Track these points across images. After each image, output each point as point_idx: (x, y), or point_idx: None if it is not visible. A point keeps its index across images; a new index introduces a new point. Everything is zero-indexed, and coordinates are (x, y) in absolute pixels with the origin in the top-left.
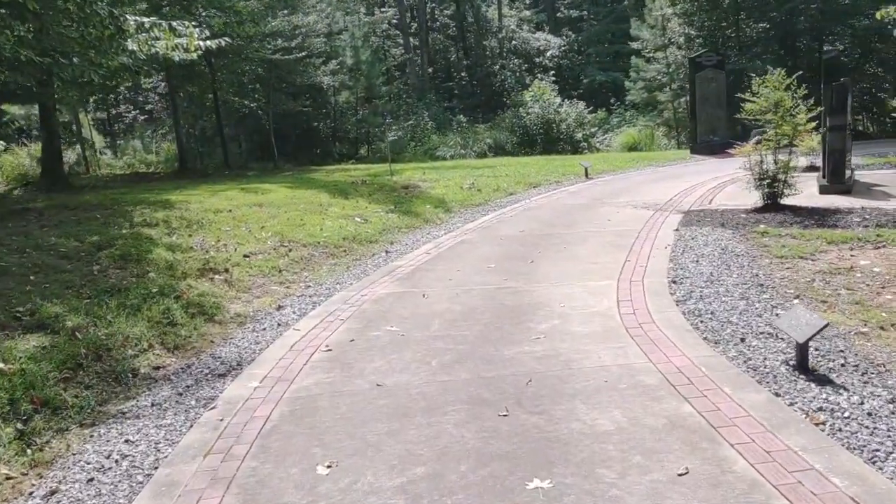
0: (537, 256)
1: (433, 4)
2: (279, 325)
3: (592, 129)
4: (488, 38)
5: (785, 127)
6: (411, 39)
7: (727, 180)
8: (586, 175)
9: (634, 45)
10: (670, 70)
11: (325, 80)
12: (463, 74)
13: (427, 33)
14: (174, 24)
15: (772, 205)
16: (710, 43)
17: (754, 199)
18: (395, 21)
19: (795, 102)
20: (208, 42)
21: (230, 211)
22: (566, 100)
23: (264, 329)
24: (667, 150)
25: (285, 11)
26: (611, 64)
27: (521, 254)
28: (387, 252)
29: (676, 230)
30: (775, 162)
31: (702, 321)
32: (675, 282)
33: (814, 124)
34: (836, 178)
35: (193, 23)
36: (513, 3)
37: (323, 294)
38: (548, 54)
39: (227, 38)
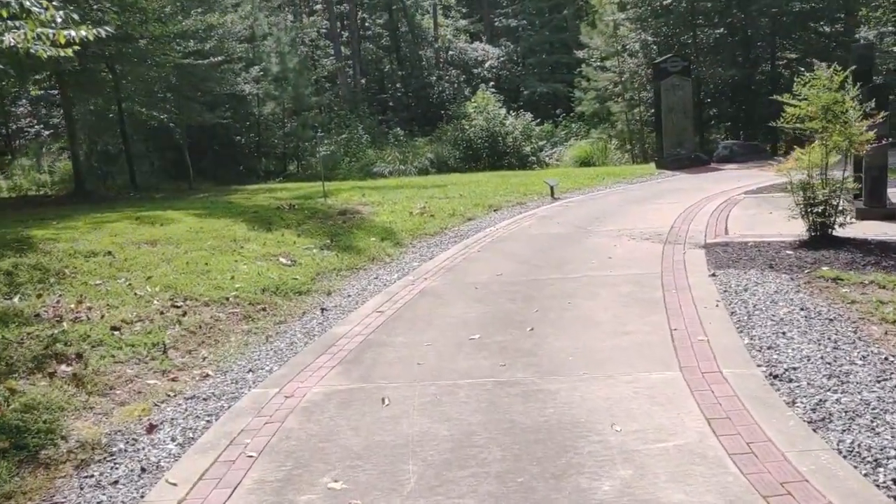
0: (537, 320)
1: (364, 13)
2: (143, 470)
3: (541, 143)
4: (424, 48)
5: (836, 137)
6: (342, 49)
7: (723, 202)
8: (552, 195)
9: (580, 53)
10: (623, 79)
11: (247, 89)
12: (398, 86)
13: (359, 42)
14: (27, 2)
15: (821, 237)
16: (666, 49)
17: (781, 227)
18: (324, 30)
19: (848, 106)
20: (83, 32)
21: (110, 253)
22: (512, 111)
23: (116, 482)
24: (628, 165)
25: (199, 10)
26: (550, 75)
27: (513, 315)
28: (323, 310)
29: (713, 275)
30: (824, 183)
31: None
32: (776, 376)
33: (872, 134)
34: (876, 201)
35: (75, 14)
36: (448, 13)
37: (226, 393)
38: (486, 65)
39: (107, 28)
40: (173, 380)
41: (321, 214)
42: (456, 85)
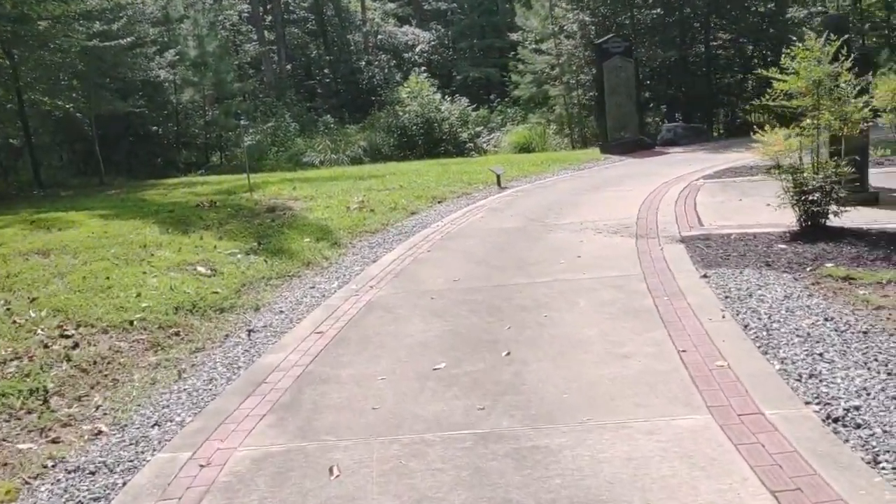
0: (511, 339)
1: None
2: None
3: (478, 129)
4: (351, 32)
5: (827, 116)
6: (266, 33)
7: (684, 188)
8: (499, 184)
9: (515, 36)
10: (561, 62)
11: (163, 75)
12: (326, 71)
13: (283, 27)
14: None
15: (814, 227)
16: (604, 30)
17: (759, 215)
18: (246, 14)
19: (844, 80)
20: None
21: None
22: (447, 97)
23: None
24: (571, 150)
25: None
26: (483, 59)
27: (481, 333)
28: (250, 332)
29: (705, 276)
30: (815, 167)
31: None
32: (836, 419)
33: (869, 112)
34: (859, 186)
35: None
36: None
37: (122, 461)
38: (417, 49)
39: None
40: (54, 441)
41: (247, 212)
42: (386, 70)
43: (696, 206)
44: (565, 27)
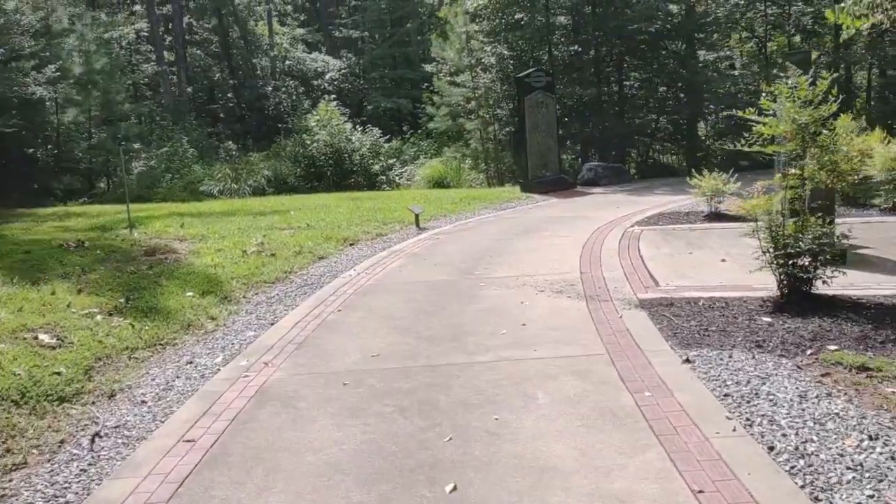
0: (457, 463)
1: (192, 18)
2: None
3: (390, 161)
4: (258, 56)
5: (812, 166)
6: (166, 54)
7: (622, 236)
8: (417, 224)
9: (429, 67)
10: (477, 95)
11: (39, 92)
12: (229, 96)
13: (184, 48)
14: None
15: (799, 295)
16: (521, 65)
17: (720, 273)
18: (145, 32)
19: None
20: None
21: None
22: (358, 126)
23: None
24: (491, 188)
25: None
26: (395, 90)
27: (412, 448)
28: (94, 438)
29: (687, 361)
30: (800, 227)
31: None
32: None
33: (859, 161)
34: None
35: None
36: (284, 20)
37: None
38: (327, 77)
39: None
40: None
41: (120, 255)
42: (294, 97)
43: (645, 261)
44: (483, 60)
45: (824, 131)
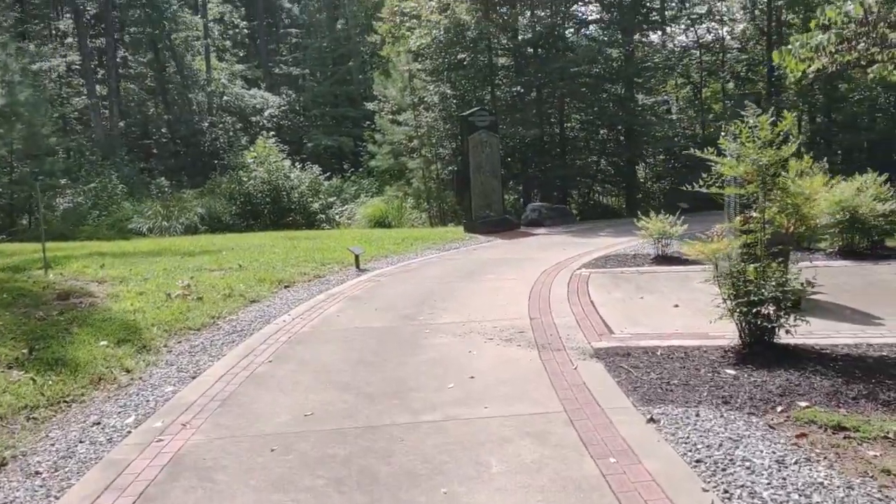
0: None
1: (125, 51)
2: None
3: (330, 199)
4: (195, 91)
5: (773, 209)
6: (98, 87)
7: (569, 278)
8: (357, 265)
9: (371, 105)
10: (420, 133)
11: None
12: (164, 131)
13: (118, 81)
14: None
15: (762, 345)
16: (465, 104)
17: (675, 319)
18: (76, 65)
19: (804, 167)
20: None
21: None
22: (296, 164)
23: None
24: (433, 228)
25: None
26: (336, 128)
27: None
28: None
29: (652, 420)
30: (761, 274)
31: None
32: None
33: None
34: None
35: None
36: (223, 56)
37: None
38: (266, 113)
39: None
40: None
41: (30, 299)
42: (232, 133)
43: (596, 306)
44: (426, 98)
45: (783, 173)
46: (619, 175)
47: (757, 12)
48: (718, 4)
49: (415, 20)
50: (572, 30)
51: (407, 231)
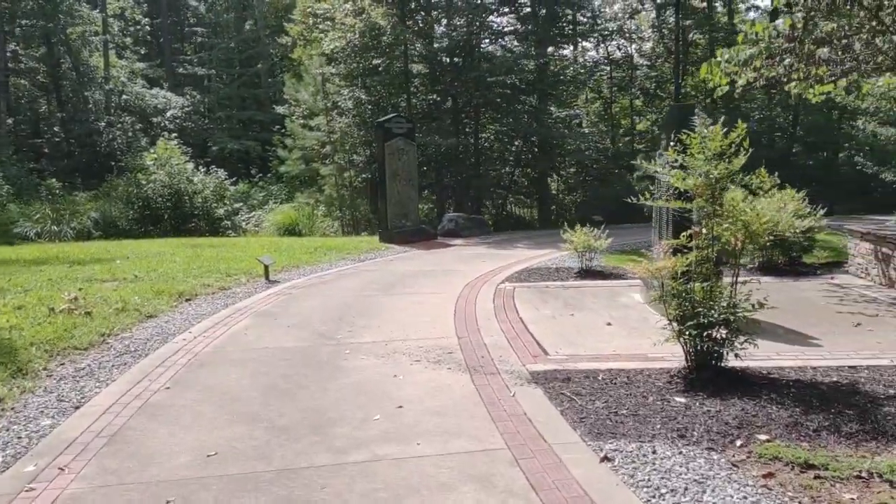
0: None
1: (16, 45)
2: None
3: (237, 205)
4: (91, 89)
5: (723, 228)
6: None
7: (494, 293)
8: (267, 276)
9: (281, 109)
10: (333, 139)
11: None
12: (56, 129)
13: (7, 76)
14: None
15: (711, 370)
16: (380, 110)
17: (611, 339)
18: None
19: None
20: None
21: None
22: (201, 167)
23: None
24: (347, 237)
25: None
26: (243, 131)
27: None
28: None
29: (606, 459)
30: (709, 294)
31: None
32: None
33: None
34: None
35: None
36: (122, 53)
37: None
38: (168, 114)
39: None
40: None
41: None
42: (131, 134)
43: (526, 324)
44: (339, 103)
45: (731, 187)
46: (532, 186)
47: (665, 31)
48: (628, 22)
49: (328, 22)
50: (489, 40)
51: (319, 240)
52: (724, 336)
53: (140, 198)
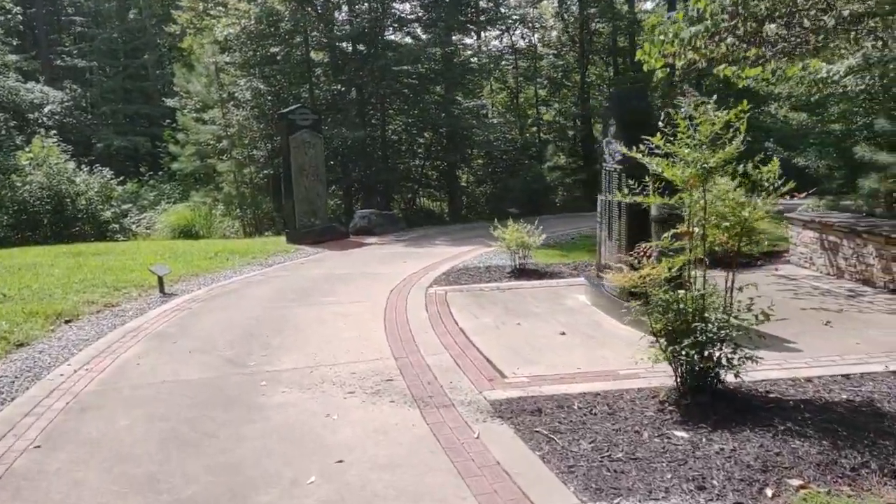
0: None
1: None
2: None
3: (125, 206)
4: None
5: (713, 225)
6: None
7: (424, 299)
8: (161, 288)
9: (172, 101)
10: (230, 133)
11: None
12: None
13: None
14: None
15: (705, 391)
16: (281, 102)
17: (572, 351)
18: None
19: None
20: None
21: None
22: (84, 166)
23: None
24: (250, 239)
25: None
26: (130, 127)
27: None
28: None
29: None
30: (701, 304)
31: None
32: None
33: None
34: None
35: None
36: None
37: None
38: (46, 110)
39: None
40: None
41: None
42: (4, 131)
43: (469, 336)
44: (236, 94)
45: (720, 179)
46: (442, 179)
47: (570, 19)
48: (532, 11)
49: (221, 8)
50: (393, 28)
51: (220, 243)
52: (726, 355)
53: (14, 201)
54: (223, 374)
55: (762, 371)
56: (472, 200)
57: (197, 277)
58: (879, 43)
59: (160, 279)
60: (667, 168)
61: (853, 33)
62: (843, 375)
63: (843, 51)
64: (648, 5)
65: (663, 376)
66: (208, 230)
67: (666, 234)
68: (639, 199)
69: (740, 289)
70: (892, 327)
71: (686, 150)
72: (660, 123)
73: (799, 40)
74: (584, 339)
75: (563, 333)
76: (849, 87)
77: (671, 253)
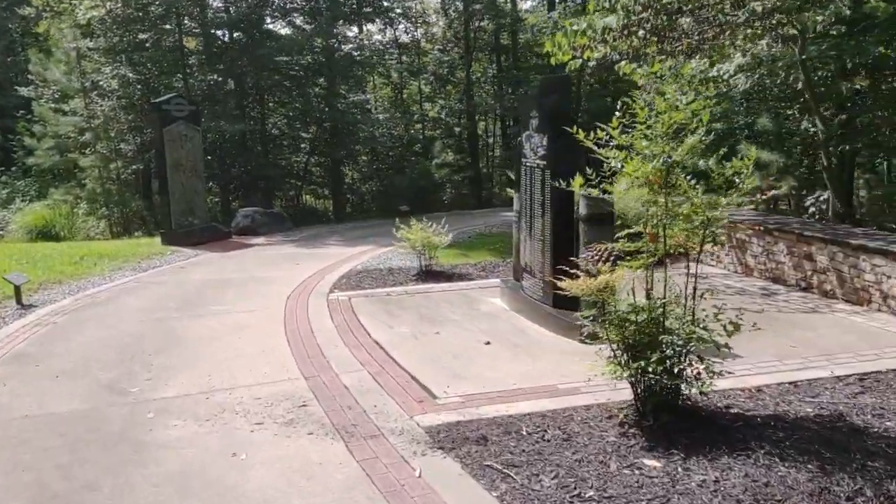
0: None
1: None
2: None
3: None
4: None
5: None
6: None
7: (327, 306)
8: (19, 300)
9: (26, 90)
10: (94, 125)
11: None
12: None
13: None
14: None
15: (666, 408)
16: (150, 92)
17: (502, 365)
18: None
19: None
20: None
21: None
22: None
23: None
24: (120, 240)
25: None
26: None
27: None
28: None
29: None
30: (661, 315)
31: None
32: None
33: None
34: None
35: None
36: None
37: None
38: None
39: None
40: None
41: None
42: None
43: (386, 350)
44: (101, 83)
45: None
46: (327, 176)
47: (453, 14)
48: (416, 6)
49: None
50: (274, 17)
51: (85, 245)
52: (697, 370)
53: None
54: (100, 403)
55: (718, 384)
56: (358, 198)
57: (61, 285)
58: (779, 40)
59: (17, 289)
60: (628, 163)
61: (759, 29)
62: (790, 383)
63: (734, 49)
64: (528, 4)
65: (607, 390)
66: (70, 231)
67: (621, 234)
68: (593, 192)
69: (702, 295)
70: (816, 327)
71: (644, 143)
72: (616, 114)
73: (706, 35)
74: (511, 349)
75: (489, 343)
76: (734, 87)
77: (628, 258)
